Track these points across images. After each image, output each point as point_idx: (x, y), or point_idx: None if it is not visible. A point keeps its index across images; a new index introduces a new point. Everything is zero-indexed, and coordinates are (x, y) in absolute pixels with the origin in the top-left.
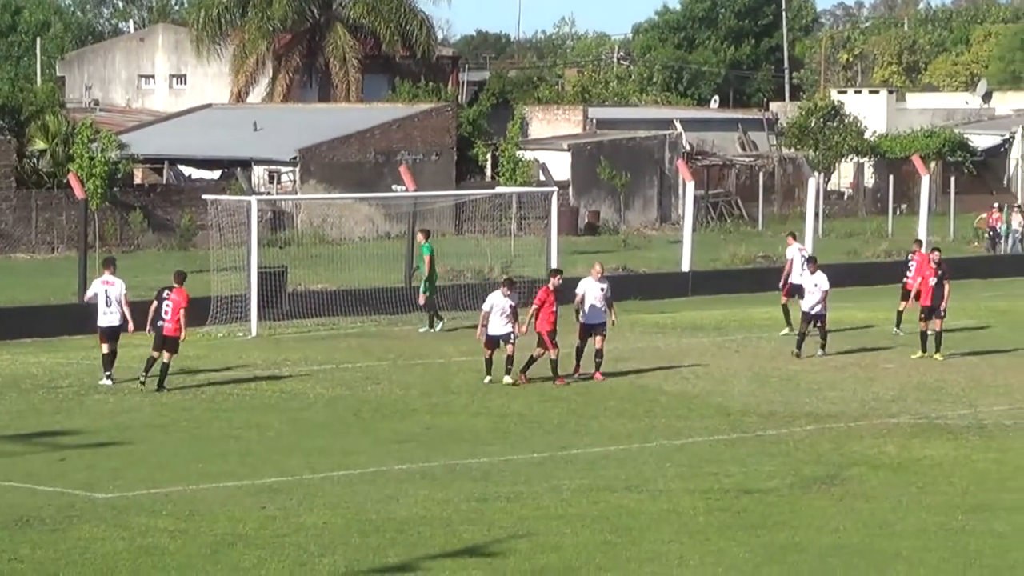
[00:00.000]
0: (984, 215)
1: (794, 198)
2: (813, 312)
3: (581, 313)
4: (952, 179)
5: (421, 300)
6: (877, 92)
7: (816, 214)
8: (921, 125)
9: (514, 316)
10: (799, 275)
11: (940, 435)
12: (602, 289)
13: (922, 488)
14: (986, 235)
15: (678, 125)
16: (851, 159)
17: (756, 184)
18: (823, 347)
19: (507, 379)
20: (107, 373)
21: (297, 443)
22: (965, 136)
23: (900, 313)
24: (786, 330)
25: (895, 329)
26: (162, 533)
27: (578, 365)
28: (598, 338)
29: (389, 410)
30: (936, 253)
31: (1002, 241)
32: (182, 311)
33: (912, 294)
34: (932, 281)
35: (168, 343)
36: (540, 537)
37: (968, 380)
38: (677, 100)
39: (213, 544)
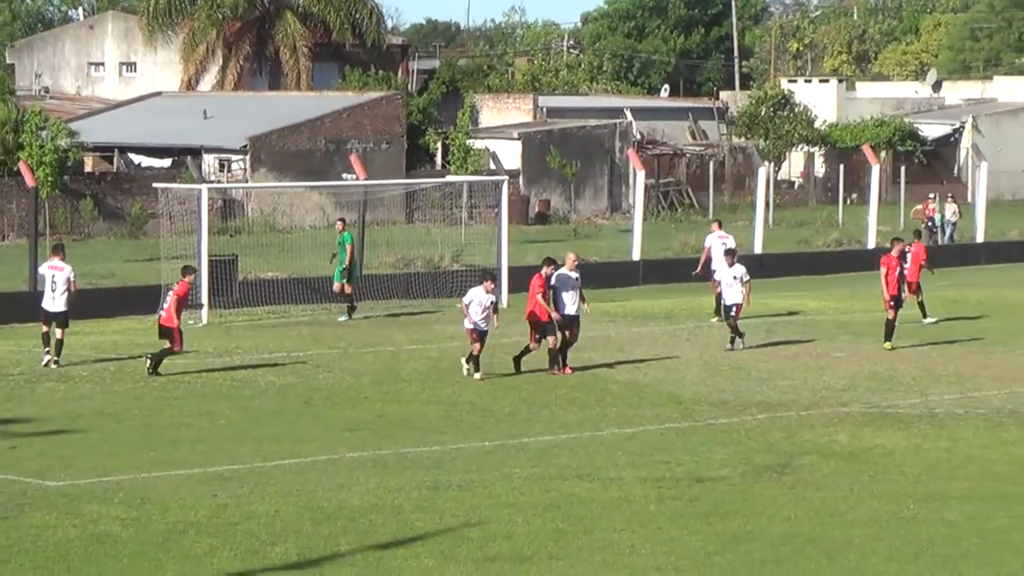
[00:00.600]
0: (919, 207)
1: (744, 187)
2: (730, 304)
3: (559, 304)
4: (902, 168)
5: (336, 288)
6: (827, 81)
7: (767, 203)
8: (871, 114)
9: (493, 311)
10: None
11: (891, 424)
12: (576, 279)
13: (873, 477)
14: (924, 226)
15: (628, 114)
16: (801, 148)
17: (707, 173)
18: (732, 341)
19: (476, 376)
20: (46, 350)
21: (248, 431)
22: (915, 126)
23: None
24: (715, 319)
25: (925, 320)
26: (114, 521)
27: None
28: (574, 329)
29: (340, 398)
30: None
31: (938, 231)
32: (175, 302)
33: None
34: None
35: (163, 332)
36: (492, 525)
37: (919, 369)
38: (627, 89)
39: (165, 532)
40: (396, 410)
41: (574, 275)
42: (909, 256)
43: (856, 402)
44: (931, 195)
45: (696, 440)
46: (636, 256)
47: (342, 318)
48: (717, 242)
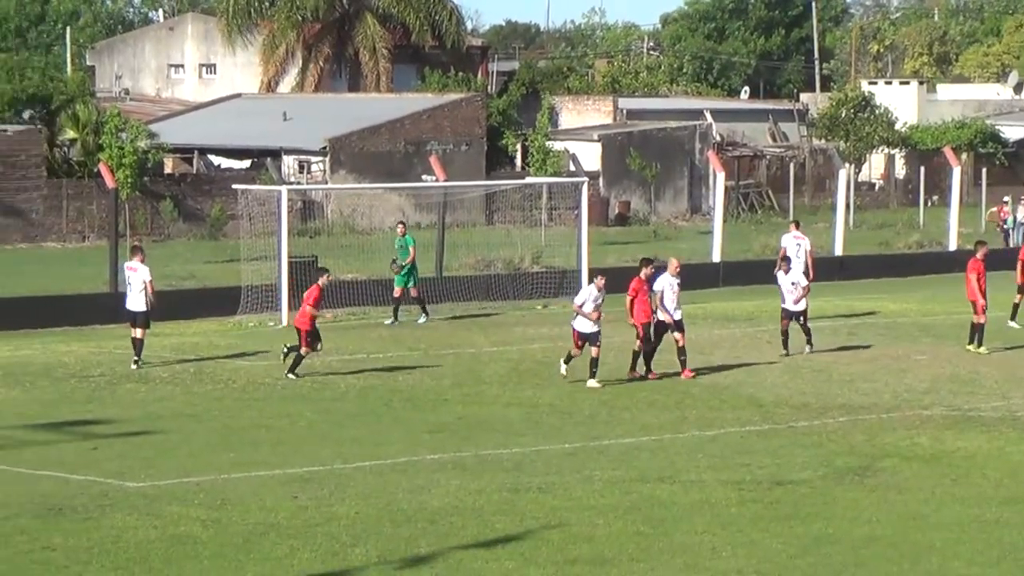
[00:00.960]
0: (994, 209)
1: (825, 189)
2: (794, 310)
3: (661, 310)
4: (983, 170)
5: (397, 293)
6: (908, 83)
7: (847, 205)
8: (952, 116)
9: (598, 313)
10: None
11: (973, 427)
12: (678, 284)
13: (955, 480)
14: (998, 229)
15: (708, 116)
16: (882, 150)
17: (787, 175)
18: (809, 343)
19: (592, 383)
20: (135, 358)
21: (329, 433)
22: (996, 127)
23: (1016, 306)
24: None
25: (1011, 322)
26: (194, 522)
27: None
28: (678, 335)
29: (421, 400)
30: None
31: (1012, 233)
32: (308, 305)
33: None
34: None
35: (298, 334)
36: (572, 528)
37: (1001, 372)
38: (707, 91)
39: (245, 533)
40: (477, 412)
41: (677, 280)
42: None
43: (938, 405)
44: (1005, 198)
45: (777, 443)
46: (716, 258)
47: (421, 319)
48: (792, 242)
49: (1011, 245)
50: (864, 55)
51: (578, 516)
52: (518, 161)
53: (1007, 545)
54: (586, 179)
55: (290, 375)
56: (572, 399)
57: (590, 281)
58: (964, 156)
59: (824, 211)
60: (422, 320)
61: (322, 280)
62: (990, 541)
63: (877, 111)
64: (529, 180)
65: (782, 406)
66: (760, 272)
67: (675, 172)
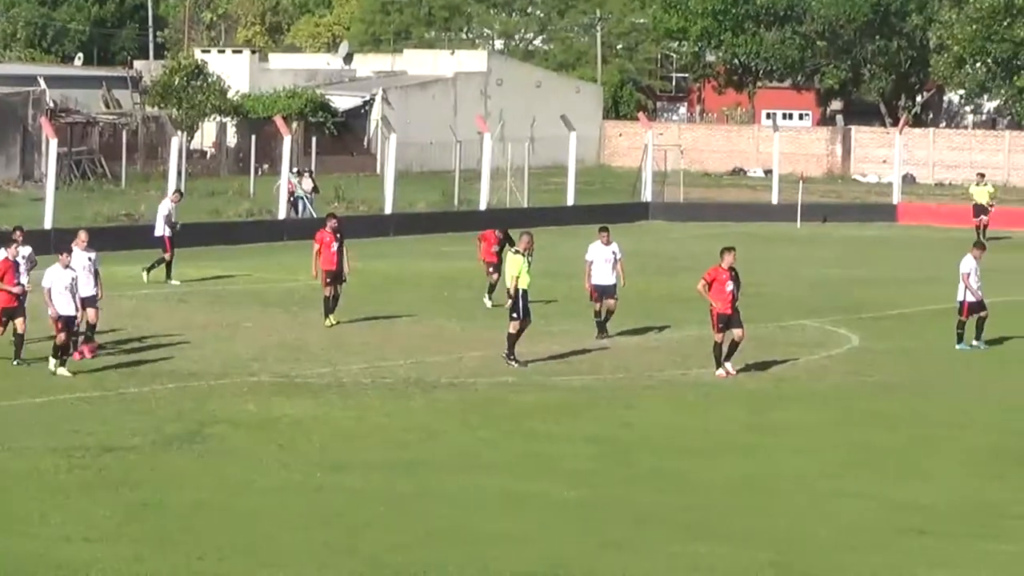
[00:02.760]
0: (291, 179)
1: (157, 157)
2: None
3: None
4: (314, 140)
5: None
6: (240, 52)
7: (179, 173)
8: (284, 86)
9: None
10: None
11: (300, 393)
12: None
13: (283, 446)
14: (290, 200)
15: (42, 82)
16: (214, 118)
17: (120, 142)
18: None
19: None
20: None
21: None
22: (327, 97)
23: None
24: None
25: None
26: None
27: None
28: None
29: None
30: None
31: (302, 205)
32: None
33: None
34: (729, 286)
35: None
36: None
37: (328, 339)
38: (41, 57)
39: None
40: None
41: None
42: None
43: (265, 371)
44: (294, 169)
45: (107, 410)
46: (47, 225)
47: None
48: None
49: (300, 216)
50: (198, 23)
51: None
52: None
53: (330, 510)
54: None
55: None
56: None
57: None
58: (295, 125)
59: (156, 179)
60: None
61: None
62: (314, 506)
63: (210, 79)
64: None
65: (112, 373)
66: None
67: (8, 138)
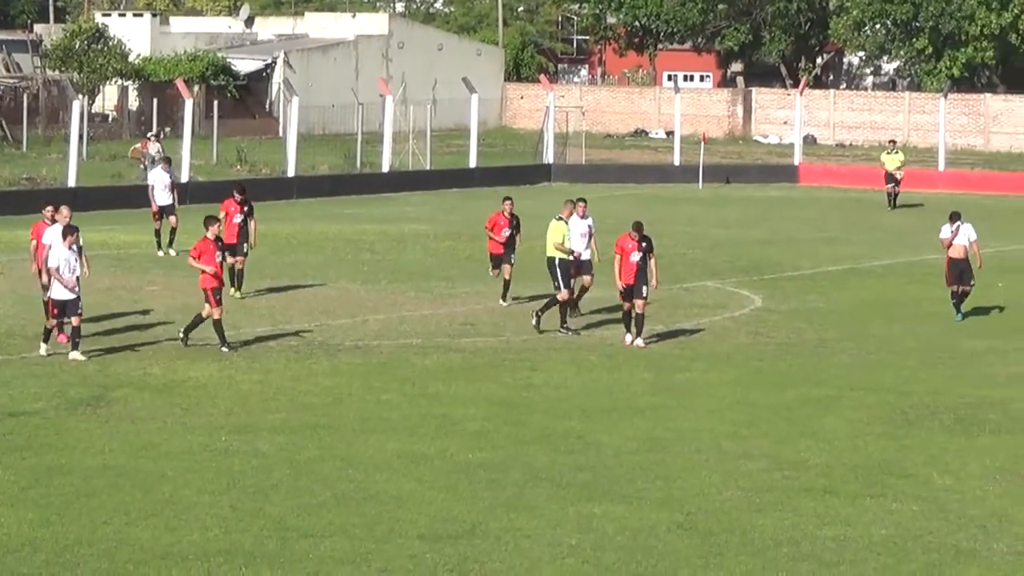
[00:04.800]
0: (138, 145)
1: (59, 120)
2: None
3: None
4: (215, 103)
5: None
6: (141, 15)
7: (80, 136)
8: (185, 49)
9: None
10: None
11: (205, 357)
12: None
13: (187, 409)
14: (141, 165)
15: None
16: (115, 82)
17: (20, 106)
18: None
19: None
20: None
21: None
22: (228, 60)
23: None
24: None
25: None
26: None
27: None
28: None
29: None
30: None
31: (149, 168)
32: None
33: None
34: (635, 256)
35: None
36: None
37: (232, 302)
38: None
39: None
40: None
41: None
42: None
43: (169, 335)
44: (149, 133)
45: (10, 373)
46: None
47: None
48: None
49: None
50: None
51: None
52: None
53: (236, 473)
54: None
55: None
56: None
57: None
58: (196, 88)
59: (58, 142)
60: None
61: None
62: (220, 469)
63: (111, 43)
64: None
65: (15, 337)
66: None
67: None
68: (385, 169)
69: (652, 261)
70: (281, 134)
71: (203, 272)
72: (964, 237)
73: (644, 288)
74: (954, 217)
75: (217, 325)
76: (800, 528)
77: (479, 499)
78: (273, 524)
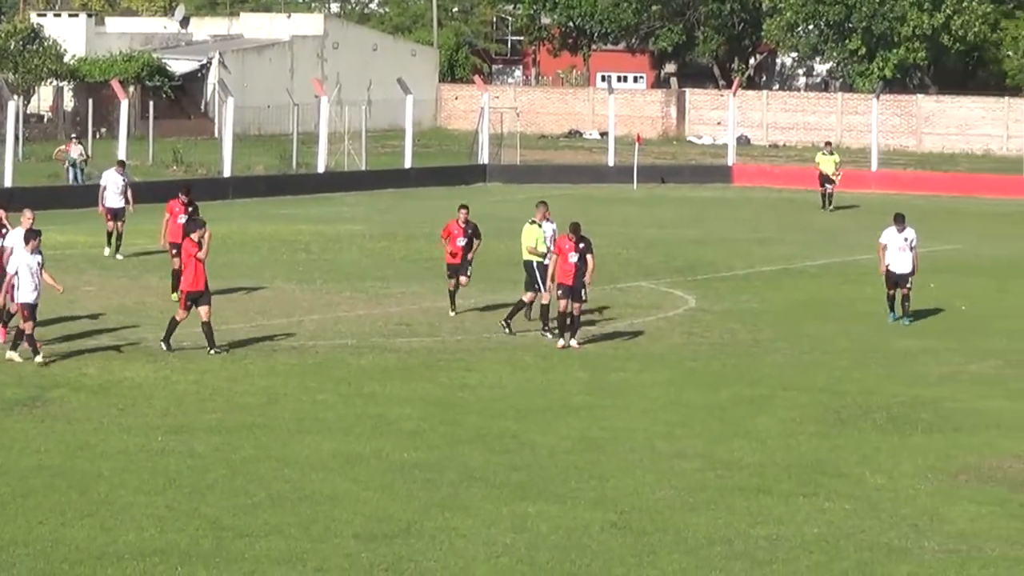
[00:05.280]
0: (62, 147)
1: None
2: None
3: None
4: (151, 104)
5: None
6: (77, 16)
7: (16, 137)
8: (120, 49)
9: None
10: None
11: (141, 357)
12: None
13: (123, 409)
14: (65, 166)
15: None
16: (51, 83)
17: None
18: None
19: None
20: None
21: None
22: (164, 61)
23: None
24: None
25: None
26: None
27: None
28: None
29: None
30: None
31: (73, 171)
32: None
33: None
34: (572, 257)
35: None
36: None
37: (168, 304)
38: None
39: None
40: None
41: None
42: None
43: (106, 335)
44: (72, 135)
45: None
46: None
47: None
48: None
49: (71, 183)
50: None
51: None
52: None
53: (172, 473)
54: None
55: None
56: None
57: None
58: (132, 89)
59: None
60: None
61: None
62: (156, 469)
63: (46, 43)
64: None
65: None
66: None
67: None
68: (320, 169)
69: (591, 261)
70: (217, 135)
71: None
72: (905, 241)
73: (582, 291)
74: (898, 219)
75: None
76: (733, 527)
77: (414, 499)
78: (208, 524)
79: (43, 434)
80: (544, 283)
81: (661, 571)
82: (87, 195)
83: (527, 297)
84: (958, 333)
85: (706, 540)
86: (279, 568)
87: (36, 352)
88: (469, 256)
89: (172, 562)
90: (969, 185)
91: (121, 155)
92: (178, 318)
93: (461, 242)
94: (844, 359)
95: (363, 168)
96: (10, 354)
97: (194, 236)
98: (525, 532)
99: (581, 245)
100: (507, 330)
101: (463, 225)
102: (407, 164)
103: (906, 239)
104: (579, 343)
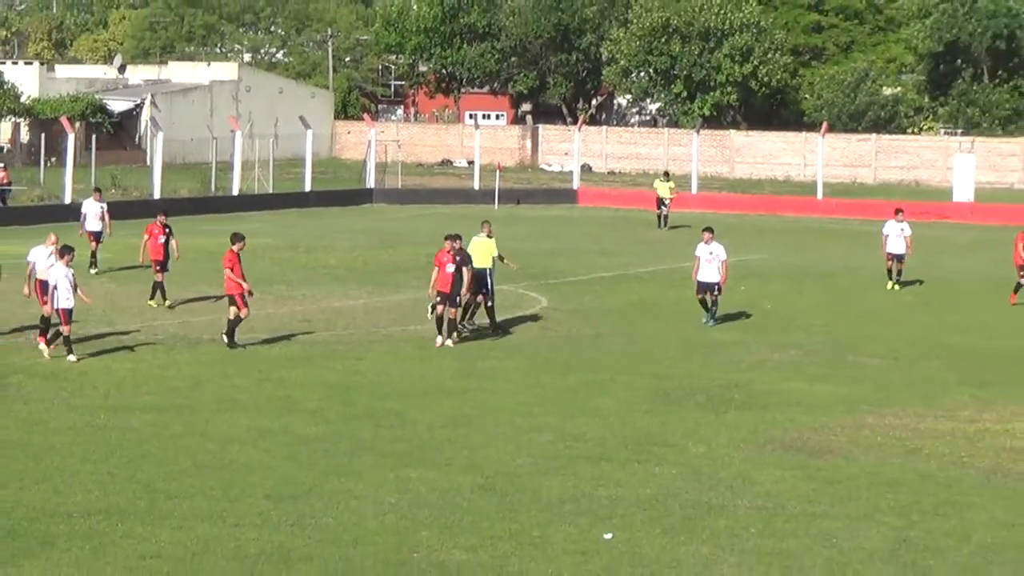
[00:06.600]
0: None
1: None
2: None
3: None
4: (94, 137)
5: None
6: (31, 63)
7: None
8: (68, 91)
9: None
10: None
11: (86, 349)
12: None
13: (71, 392)
14: None
15: None
16: (9, 119)
17: None
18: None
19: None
20: None
21: None
22: (104, 101)
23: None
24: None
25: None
26: None
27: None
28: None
29: None
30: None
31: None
32: None
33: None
34: (450, 268)
35: None
36: None
37: (108, 303)
38: None
39: None
40: None
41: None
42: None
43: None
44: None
45: None
46: None
47: None
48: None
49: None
50: None
51: None
52: None
53: (113, 444)
54: None
55: None
56: None
57: None
58: (78, 124)
59: None
60: None
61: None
62: (99, 442)
63: (5, 86)
64: None
65: None
66: None
67: None
68: (235, 192)
69: (467, 273)
70: (148, 163)
71: (229, 279)
72: (711, 255)
73: (457, 298)
74: (707, 230)
75: (235, 323)
76: (580, 489)
77: (315, 466)
78: (144, 487)
79: (3, 413)
80: (493, 288)
81: (520, 525)
82: (46, 214)
83: (476, 299)
84: (764, 328)
85: (558, 499)
86: (203, 524)
87: (70, 351)
88: (461, 286)
89: (113, 519)
90: (772, 205)
91: (68, 180)
92: (241, 315)
93: (450, 268)
94: (671, 350)
95: (271, 191)
96: (70, 357)
97: (235, 247)
98: (408, 493)
99: (458, 259)
100: (466, 329)
101: (452, 254)
102: (307, 188)
103: (712, 252)
104: (453, 342)
